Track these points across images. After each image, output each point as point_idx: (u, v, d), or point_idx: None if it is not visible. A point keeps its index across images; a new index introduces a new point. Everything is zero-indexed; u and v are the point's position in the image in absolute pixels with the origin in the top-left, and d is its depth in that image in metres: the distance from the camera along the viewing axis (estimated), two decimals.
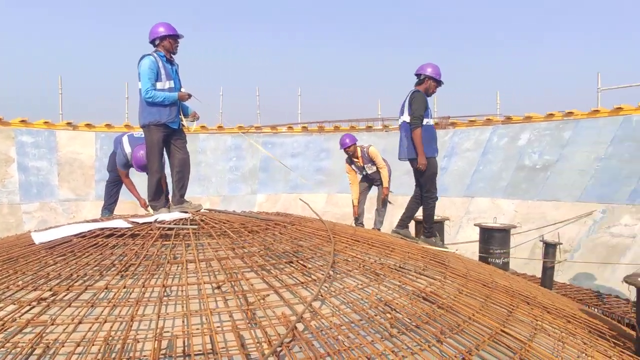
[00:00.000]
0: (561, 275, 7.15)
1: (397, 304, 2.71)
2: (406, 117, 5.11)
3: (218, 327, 2.22)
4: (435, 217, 6.43)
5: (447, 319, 2.66)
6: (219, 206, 10.53)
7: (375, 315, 2.55)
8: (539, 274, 5.94)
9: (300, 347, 2.14)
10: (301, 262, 3.04)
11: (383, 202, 7.38)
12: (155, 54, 4.47)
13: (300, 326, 2.38)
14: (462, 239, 7.98)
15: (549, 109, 10.43)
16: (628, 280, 2.99)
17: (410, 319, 2.57)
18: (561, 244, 5.56)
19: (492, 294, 3.30)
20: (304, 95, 13.92)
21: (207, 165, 11.58)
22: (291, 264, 2.98)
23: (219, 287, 2.58)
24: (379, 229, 7.31)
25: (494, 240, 5.47)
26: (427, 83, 5.15)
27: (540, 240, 5.47)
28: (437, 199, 5.27)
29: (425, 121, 5.03)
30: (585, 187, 8.30)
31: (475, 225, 6.06)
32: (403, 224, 5.43)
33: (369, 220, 8.03)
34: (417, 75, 5.23)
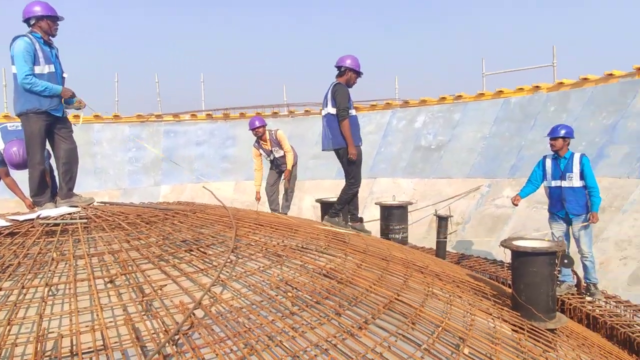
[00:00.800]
0: (455, 246, 7.78)
1: (298, 282, 2.78)
2: (330, 110, 5.16)
3: (110, 322, 2.13)
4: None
5: (346, 293, 2.79)
6: (119, 200, 9.92)
7: (277, 295, 2.59)
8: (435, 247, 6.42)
9: (200, 334, 2.12)
10: (201, 249, 2.99)
11: (289, 187, 7.46)
12: (30, 35, 4.05)
13: (200, 313, 2.36)
14: (367, 217, 8.32)
15: (441, 93, 11.19)
16: (503, 244, 3.34)
17: (310, 296, 2.65)
18: (452, 216, 6.05)
19: (389, 266, 3.51)
20: (207, 82, 13.50)
21: (103, 157, 10.84)
22: (191, 252, 2.92)
23: (111, 281, 2.45)
24: (285, 214, 7.38)
25: (393, 217, 5.80)
26: (348, 75, 5.24)
27: (434, 215, 5.90)
28: (359, 186, 5.42)
29: (350, 112, 5.17)
30: (473, 164, 9.06)
31: (376, 204, 6.36)
32: (354, 217, 5.52)
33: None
34: (338, 67, 5.29)
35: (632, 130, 7.01)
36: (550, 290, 3.19)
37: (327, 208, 6.50)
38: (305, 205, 9.91)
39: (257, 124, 7.25)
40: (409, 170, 9.86)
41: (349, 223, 5.44)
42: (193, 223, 3.56)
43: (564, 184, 5.00)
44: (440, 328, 2.58)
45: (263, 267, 2.92)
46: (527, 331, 3.02)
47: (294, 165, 7.43)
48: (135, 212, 3.68)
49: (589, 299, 4.82)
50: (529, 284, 3.20)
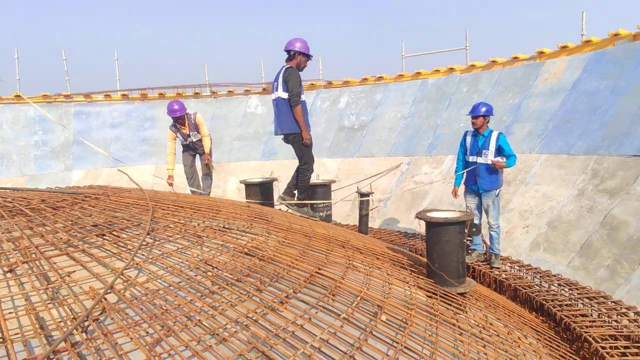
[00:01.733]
0: (377, 222, 8.07)
1: (218, 262, 2.75)
2: (281, 94, 5.07)
3: (10, 312, 1.98)
4: (264, 178, 6.61)
5: (267, 270, 2.80)
6: (25, 187, 9.14)
7: (196, 276, 2.55)
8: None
9: (112, 319, 2.04)
10: (115, 233, 2.85)
11: (207, 170, 7.28)
12: None
13: (114, 298, 2.26)
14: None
15: (363, 74, 11.41)
16: (418, 216, 3.51)
17: (231, 274, 2.63)
18: (373, 193, 6.25)
19: (311, 242, 3.56)
20: (122, 60, 12.68)
21: (4, 141, 9.90)
22: (103, 236, 2.77)
23: (10, 271, 2.27)
24: (208, 194, 7.22)
25: (316, 195, 5.88)
26: (298, 58, 5.17)
27: (356, 192, 6.06)
28: (312, 170, 5.42)
29: (301, 97, 5.10)
30: (394, 143, 9.39)
31: None
32: (290, 191, 5.43)
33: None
34: (287, 51, 5.20)
35: (534, 109, 7.61)
36: (460, 257, 3.41)
37: (251, 189, 6.46)
38: (230, 187, 9.75)
39: (178, 112, 6.91)
40: (333, 150, 10.01)
41: (282, 195, 5.44)
42: (107, 207, 3.38)
43: (480, 160, 5.32)
44: (359, 298, 2.68)
45: (182, 248, 2.84)
46: (440, 296, 3.22)
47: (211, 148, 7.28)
48: (40, 197, 3.42)
49: (492, 264, 5.22)
50: (441, 252, 3.40)
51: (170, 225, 3.18)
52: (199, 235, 3.08)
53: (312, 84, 11.96)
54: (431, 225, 3.43)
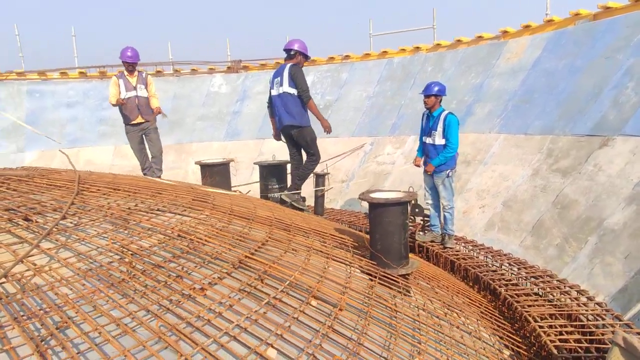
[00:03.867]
0: (339, 203, 7.99)
1: (140, 246, 2.60)
2: (288, 89, 5.31)
3: None
4: (222, 159, 6.42)
5: (193, 255, 2.67)
6: None
7: (110, 262, 2.40)
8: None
9: (4, 312, 1.88)
10: (29, 217, 2.67)
11: (155, 145, 6.85)
12: None
13: (10, 288, 2.10)
14: (252, 179, 8.20)
15: (330, 53, 11.20)
16: (361, 197, 3.42)
17: (151, 260, 2.50)
18: (329, 173, 6.15)
19: (251, 225, 3.44)
20: (80, 37, 12.13)
21: None
22: (11, 221, 2.59)
23: None
24: (159, 177, 6.94)
25: (271, 176, 5.74)
26: (298, 58, 5.45)
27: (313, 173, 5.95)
28: (319, 160, 5.65)
29: None
30: (358, 123, 9.28)
31: (254, 163, 6.25)
32: (298, 186, 5.48)
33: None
34: (287, 50, 5.47)
35: (495, 89, 7.58)
36: (403, 239, 3.34)
37: (206, 170, 6.27)
38: (191, 169, 9.48)
39: (131, 59, 6.48)
40: None
41: (288, 193, 5.49)
42: (30, 189, 3.17)
43: (428, 140, 5.25)
44: (287, 282, 2.58)
45: (102, 232, 2.68)
46: (379, 278, 3.16)
47: (154, 124, 6.86)
48: None
49: (446, 244, 5.20)
50: (383, 234, 3.32)
51: (94, 209, 3.00)
52: (125, 218, 2.91)
53: (278, 62, 11.69)
54: (373, 206, 3.34)
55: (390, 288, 3.16)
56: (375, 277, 3.16)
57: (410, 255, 5.26)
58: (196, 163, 6.46)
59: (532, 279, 4.21)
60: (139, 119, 6.66)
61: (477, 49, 8.68)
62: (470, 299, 3.94)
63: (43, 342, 1.75)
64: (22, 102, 10.24)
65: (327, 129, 5.52)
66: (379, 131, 8.83)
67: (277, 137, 5.87)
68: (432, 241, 5.33)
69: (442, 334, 2.83)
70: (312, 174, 5.84)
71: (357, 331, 2.40)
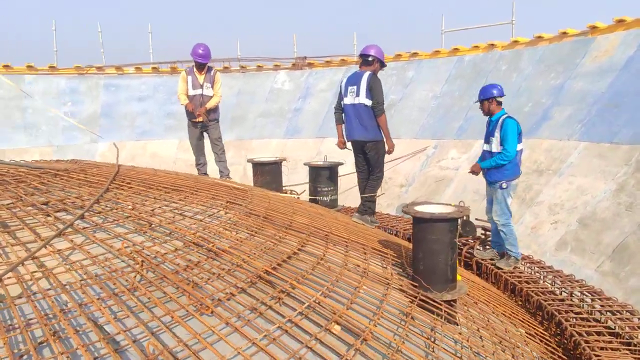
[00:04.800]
0: (397, 209, 7.57)
1: (154, 252, 2.44)
2: (364, 100, 4.98)
3: None
4: (272, 158, 6.27)
5: (207, 266, 2.47)
6: (51, 158, 9.31)
7: (123, 269, 2.25)
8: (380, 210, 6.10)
9: None
10: (49, 215, 2.61)
11: (216, 141, 6.74)
12: None
13: (16, 290, 2.01)
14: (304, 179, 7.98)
15: (397, 50, 10.73)
16: (405, 210, 3.06)
17: (162, 268, 2.33)
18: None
19: (283, 233, 3.20)
20: (156, 33, 12.63)
21: (35, 112, 10.09)
22: (32, 217, 2.53)
23: None
24: (227, 176, 6.84)
25: (321, 178, 5.49)
26: (375, 65, 5.13)
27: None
28: (382, 179, 5.39)
29: None
30: (422, 124, 8.77)
31: (304, 164, 6.03)
32: (369, 210, 5.21)
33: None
34: (365, 55, 5.14)
35: (577, 90, 6.78)
36: (450, 260, 2.95)
37: (257, 169, 6.14)
38: (249, 166, 9.47)
39: (202, 59, 6.30)
40: None
41: (359, 216, 5.16)
42: (63, 184, 3.15)
43: (486, 147, 4.74)
44: (306, 304, 2.31)
45: (119, 234, 2.56)
46: (419, 302, 2.79)
47: (216, 114, 6.72)
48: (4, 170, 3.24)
49: (498, 264, 4.63)
50: (427, 252, 2.95)
51: (117, 208, 2.90)
52: (147, 220, 2.78)
53: (343, 59, 11.43)
54: (417, 220, 2.98)
55: (432, 315, 2.79)
56: (413, 301, 2.79)
57: (467, 273, 4.80)
58: (248, 161, 6.37)
59: (608, 314, 3.61)
60: (200, 118, 6.62)
61: (559, 46, 7.85)
62: (529, 333, 3.44)
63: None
64: (98, 95, 10.80)
65: (391, 149, 5.17)
66: (444, 134, 8.28)
67: (342, 146, 5.46)
68: (491, 259, 4.81)
69: None
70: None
71: None
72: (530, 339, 3.29)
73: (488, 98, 4.65)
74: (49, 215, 2.54)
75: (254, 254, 2.70)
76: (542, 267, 4.71)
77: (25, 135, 9.73)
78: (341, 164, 5.79)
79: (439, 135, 8.35)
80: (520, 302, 4.22)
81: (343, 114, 5.26)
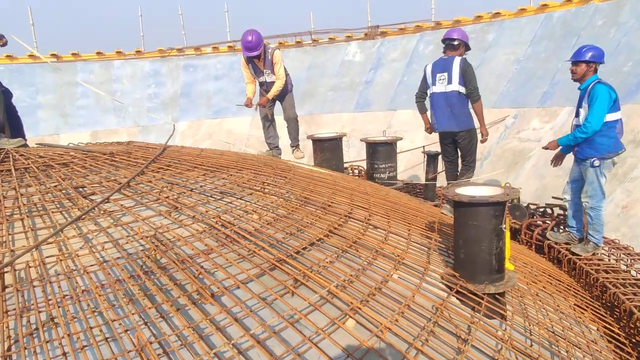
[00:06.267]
0: None
1: (172, 236, 2.43)
2: (457, 87, 4.84)
3: None
4: (331, 134, 6.10)
5: (228, 249, 2.42)
6: (137, 137, 9.99)
7: (143, 250, 2.27)
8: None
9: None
10: (82, 198, 2.71)
11: (289, 115, 6.42)
12: None
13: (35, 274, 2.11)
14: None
15: (477, 11, 9.88)
16: (442, 191, 2.76)
17: (177, 252, 2.31)
18: (440, 153, 5.34)
19: (315, 216, 3.06)
20: (232, 11, 12.86)
21: (123, 94, 10.83)
22: (57, 202, 2.64)
23: None
24: (297, 147, 6.51)
25: (378, 154, 5.22)
26: (461, 49, 5.00)
27: (422, 152, 5.25)
28: (474, 170, 5.19)
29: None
30: (501, 92, 8.03)
31: (361, 140, 5.77)
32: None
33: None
34: (449, 39, 4.99)
35: None
36: (495, 248, 2.62)
37: (317, 145, 5.99)
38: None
39: (250, 51, 5.66)
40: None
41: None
42: (103, 167, 3.27)
43: (575, 121, 4.14)
44: (316, 297, 2.16)
45: (142, 218, 2.58)
46: (457, 293, 2.52)
47: (287, 92, 6.17)
48: (52, 156, 3.45)
49: (573, 249, 4.08)
50: (467, 240, 2.65)
51: (146, 192, 2.93)
52: (174, 203, 2.79)
53: (418, 25, 10.79)
54: (456, 204, 2.67)
55: (474, 309, 2.50)
56: (452, 290, 2.53)
57: (538, 257, 4.33)
58: (308, 137, 6.26)
59: None
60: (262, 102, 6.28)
61: None
62: (604, 330, 3.00)
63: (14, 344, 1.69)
64: (178, 76, 11.31)
65: (485, 137, 4.96)
66: (526, 102, 7.51)
67: (430, 131, 5.22)
68: (566, 243, 4.27)
69: None
70: (423, 153, 5.12)
71: None
72: (599, 338, 2.86)
73: (589, 61, 3.99)
74: (73, 200, 2.64)
75: (274, 239, 2.59)
76: (630, 254, 4.10)
77: (115, 117, 10.50)
78: (400, 138, 5.46)
79: (519, 104, 7.59)
80: (596, 295, 3.72)
81: (428, 102, 5.04)
